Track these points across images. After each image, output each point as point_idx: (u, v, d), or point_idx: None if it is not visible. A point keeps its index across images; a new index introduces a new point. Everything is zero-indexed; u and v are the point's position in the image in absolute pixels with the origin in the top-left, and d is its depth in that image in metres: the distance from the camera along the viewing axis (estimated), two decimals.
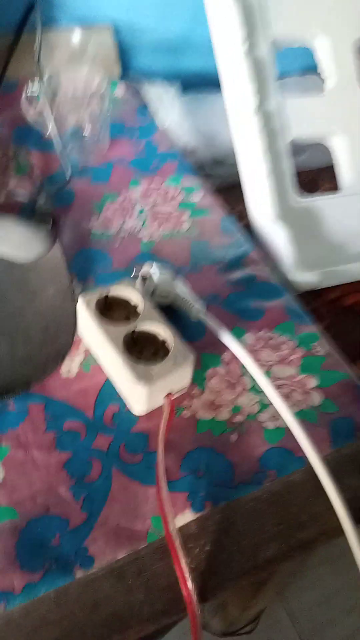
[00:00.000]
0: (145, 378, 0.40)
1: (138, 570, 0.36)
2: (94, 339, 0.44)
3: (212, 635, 0.87)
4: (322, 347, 0.49)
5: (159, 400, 0.42)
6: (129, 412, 0.43)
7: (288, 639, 0.90)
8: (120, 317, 0.45)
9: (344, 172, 0.65)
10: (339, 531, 0.37)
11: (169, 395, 0.42)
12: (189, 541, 0.37)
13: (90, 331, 0.44)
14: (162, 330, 0.43)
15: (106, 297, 0.46)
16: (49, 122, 0.59)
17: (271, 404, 0.44)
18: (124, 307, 0.46)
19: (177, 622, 0.36)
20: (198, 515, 0.37)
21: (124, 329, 0.43)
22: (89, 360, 0.46)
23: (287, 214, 0.59)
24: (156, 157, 0.64)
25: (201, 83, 0.77)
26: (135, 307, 0.46)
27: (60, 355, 0.44)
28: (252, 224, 0.61)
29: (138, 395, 0.41)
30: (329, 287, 0.58)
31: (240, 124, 0.60)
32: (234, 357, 0.47)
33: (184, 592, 0.34)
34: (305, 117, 0.62)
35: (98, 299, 0.45)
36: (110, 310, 0.46)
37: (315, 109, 0.64)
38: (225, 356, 0.47)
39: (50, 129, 0.60)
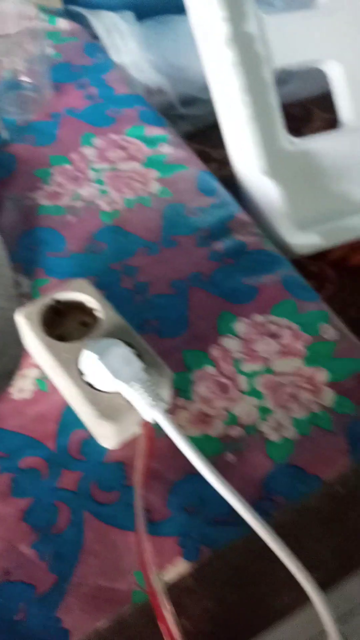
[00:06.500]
0: (110, 413, 0.31)
1: None
2: (44, 360, 0.35)
3: None
4: (333, 327, 0.40)
5: (133, 429, 0.34)
6: None
7: None
8: (73, 323, 0.36)
9: (345, 102, 0.55)
10: None
11: (146, 422, 0.33)
12: (184, 597, 0.31)
13: (38, 351, 0.35)
14: (129, 340, 0.34)
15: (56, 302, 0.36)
16: None
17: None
18: (79, 309, 0.36)
19: None
20: (193, 564, 0.31)
21: (79, 348, 0.33)
22: (46, 375, 0.37)
23: (277, 161, 0.50)
24: (112, 102, 0.55)
25: (159, 9, 0.64)
26: (91, 310, 0.36)
27: (7, 372, 0.36)
28: (237, 175, 0.51)
29: (104, 432, 0.32)
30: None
31: (211, 56, 0.48)
32: (226, 351, 0.38)
33: None
34: (293, 38, 0.51)
35: (43, 309, 0.35)
36: (62, 316, 0.36)
37: (305, 28, 0.52)
38: (214, 351, 0.38)
39: None
